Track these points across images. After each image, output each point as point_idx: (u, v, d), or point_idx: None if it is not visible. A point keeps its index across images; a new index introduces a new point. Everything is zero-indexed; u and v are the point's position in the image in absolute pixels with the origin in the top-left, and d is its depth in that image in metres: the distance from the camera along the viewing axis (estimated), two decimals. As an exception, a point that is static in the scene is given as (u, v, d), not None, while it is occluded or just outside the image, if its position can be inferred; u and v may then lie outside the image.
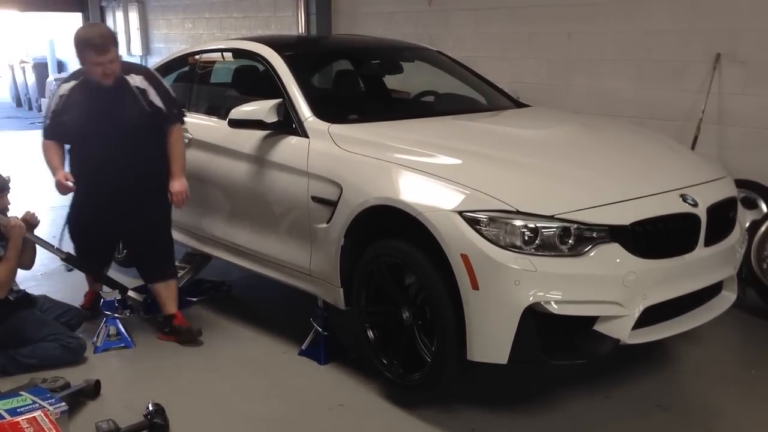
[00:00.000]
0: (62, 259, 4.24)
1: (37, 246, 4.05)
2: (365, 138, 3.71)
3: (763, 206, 4.81)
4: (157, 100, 3.98)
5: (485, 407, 3.40)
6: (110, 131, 3.92)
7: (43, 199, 7.47)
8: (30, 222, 3.93)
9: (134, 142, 3.97)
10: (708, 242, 3.29)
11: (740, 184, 4.39)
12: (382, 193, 3.33)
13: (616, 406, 3.42)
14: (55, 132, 4.02)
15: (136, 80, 3.96)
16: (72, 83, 3.97)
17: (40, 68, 16.08)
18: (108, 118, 3.91)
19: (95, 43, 3.77)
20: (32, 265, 4.10)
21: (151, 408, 3.24)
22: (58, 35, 16.10)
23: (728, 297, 3.55)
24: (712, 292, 3.47)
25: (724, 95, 5.28)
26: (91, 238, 4.22)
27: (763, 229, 4.46)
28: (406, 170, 3.33)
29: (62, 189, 3.97)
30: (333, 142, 3.73)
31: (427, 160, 3.38)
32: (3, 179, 3.90)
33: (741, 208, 3.73)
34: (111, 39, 3.86)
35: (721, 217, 3.44)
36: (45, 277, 5.18)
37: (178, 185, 4.05)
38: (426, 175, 3.25)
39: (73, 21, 14.18)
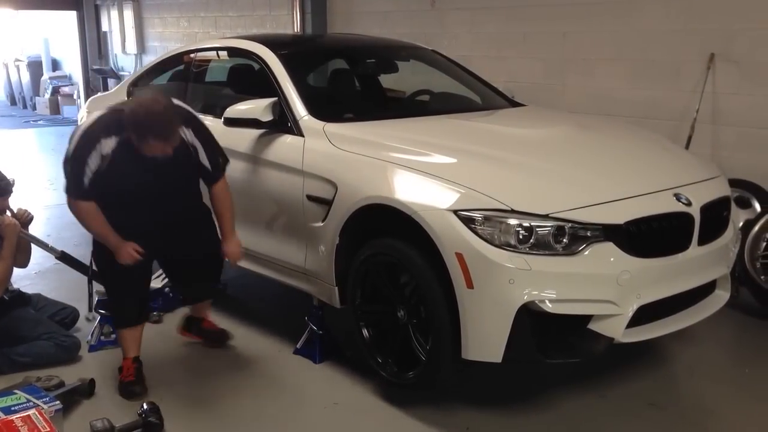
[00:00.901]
0: (57, 258, 4.24)
1: (32, 245, 4.04)
2: (360, 137, 3.71)
3: (757, 205, 4.83)
4: (205, 160, 3.52)
5: (480, 406, 3.41)
6: (163, 192, 3.48)
7: (37, 198, 7.47)
8: (23, 219, 3.92)
9: (184, 191, 3.62)
10: (702, 241, 3.31)
11: (734, 183, 4.41)
12: (377, 191, 3.34)
13: (610, 405, 3.43)
14: (96, 195, 3.34)
15: (188, 135, 3.44)
16: (114, 141, 3.28)
17: (35, 66, 16.06)
18: (162, 182, 3.43)
19: (159, 134, 3.23)
20: (27, 264, 4.09)
21: (145, 407, 3.24)
22: (52, 33, 16.06)
23: (722, 296, 3.56)
24: (705, 291, 3.49)
25: (718, 95, 5.30)
26: (134, 275, 3.56)
27: (756, 228, 4.48)
28: (402, 169, 3.34)
29: (130, 259, 3.42)
30: (328, 141, 3.73)
31: (422, 159, 3.38)
32: (7, 181, 3.88)
33: (734, 208, 3.74)
34: (176, 122, 3.32)
35: (715, 217, 3.45)
36: (39, 275, 5.17)
37: (232, 246, 3.68)
38: (421, 173, 3.26)
39: (68, 19, 14.15)
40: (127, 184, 3.37)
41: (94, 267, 3.96)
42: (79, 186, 3.30)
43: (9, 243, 3.75)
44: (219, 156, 3.61)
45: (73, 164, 3.29)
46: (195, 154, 3.48)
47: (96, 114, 3.38)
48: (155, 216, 3.49)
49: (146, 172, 3.34)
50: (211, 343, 4.06)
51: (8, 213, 3.86)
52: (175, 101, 3.50)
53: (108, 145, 3.27)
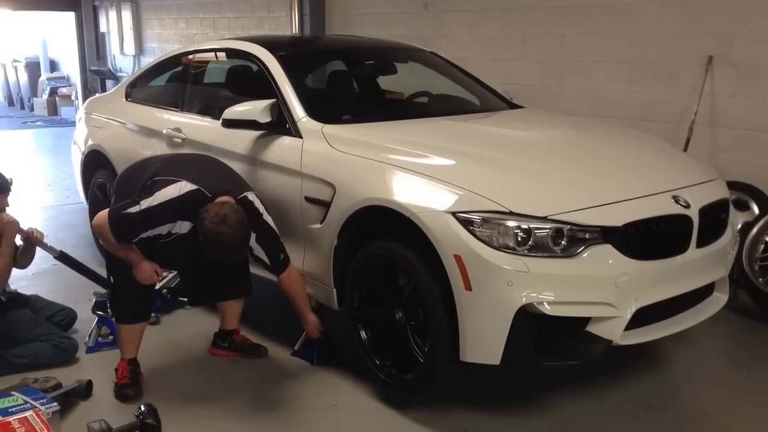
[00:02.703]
0: (55, 257, 4.23)
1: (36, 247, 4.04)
2: (359, 138, 3.71)
3: (755, 208, 4.84)
4: (263, 256, 3.54)
5: (478, 408, 3.41)
6: (210, 265, 3.57)
7: (34, 199, 7.46)
8: (33, 238, 3.97)
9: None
10: (700, 244, 3.31)
11: (732, 185, 4.41)
12: (375, 193, 3.34)
13: (608, 408, 3.43)
14: (141, 246, 3.42)
15: (251, 240, 3.44)
16: (188, 227, 3.34)
17: (33, 67, 16.06)
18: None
19: (227, 258, 3.36)
20: (28, 265, 4.09)
21: (143, 408, 3.24)
22: (50, 34, 16.05)
23: (720, 298, 3.56)
24: (703, 293, 3.49)
25: (717, 97, 5.30)
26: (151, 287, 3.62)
27: (754, 230, 4.48)
28: (400, 171, 3.33)
29: (149, 280, 3.47)
30: (326, 143, 3.73)
31: (421, 161, 3.38)
32: (5, 179, 3.89)
33: (733, 210, 3.75)
34: (244, 248, 3.37)
35: (713, 219, 3.45)
36: (37, 276, 5.17)
37: (312, 326, 3.73)
38: (419, 175, 3.25)
39: (66, 20, 14.14)
40: (179, 255, 3.52)
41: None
42: (130, 236, 3.35)
43: (7, 240, 3.75)
44: (280, 253, 3.56)
45: (139, 219, 3.28)
46: (251, 252, 3.50)
47: (187, 188, 3.32)
48: (191, 267, 3.71)
49: (203, 255, 3.34)
50: (247, 356, 3.94)
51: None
52: (247, 196, 3.48)
53: (182, 227, 3.35)
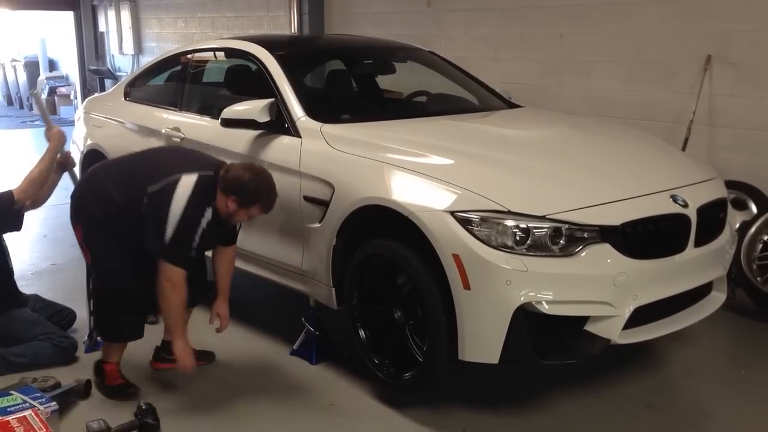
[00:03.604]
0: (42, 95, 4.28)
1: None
2: (358, 138, 3.71)
3: (753, 207, 4.85)
4: (238, 225, 3.67)
5: (476, 407, 3.41)
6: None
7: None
8: (71, 160, 4.07)
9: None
10: (698, 243, 3.31)
11: (730, 185, 4.42)
12: (374, 192, 3.34)
13: (607, 406, 3.43)
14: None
15: None
16: (210, 211, 3.33)
17: (32, 67, 16.04)
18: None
19: (266, 204, 3.41)
20: (48, 197, 4.08)
21: (142, 407, 3.24)
22: (49, 34, 16.04)
23: (718, 297, 3.57)
24: (702, 292, 3.49)
25: (715, 96, 5.31)
26: (137, 293, 3.52)
27: (752, 230, 4.49)
28: (399, 170, 3.34)
29: (188, 370, 3.42)
30: (325, 142, 3.73)
31: (420, 160, 3.38)
32: None
33: (731, 209, 3.75)
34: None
35: (711, 218, 3.46)
36: (35, 276, 5.17)
37: (225, 308, 3.72)
38: (418, 175, 3.26)
39: (65, 20, 14.13)
40: (213, 241, 3.50)
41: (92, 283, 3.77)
42: (188, 254, 3.30)
43: (52, 150, 3.85)
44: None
45: (183, 233, 3.25)
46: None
47: (191, 179, 3.30)
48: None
49: (217, 234, 3.44)
50: (200, 363, 3.72)
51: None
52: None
53: (208, 214, 3.32)
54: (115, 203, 3.40)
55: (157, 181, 3.33)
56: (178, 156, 3.67)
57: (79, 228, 3.52)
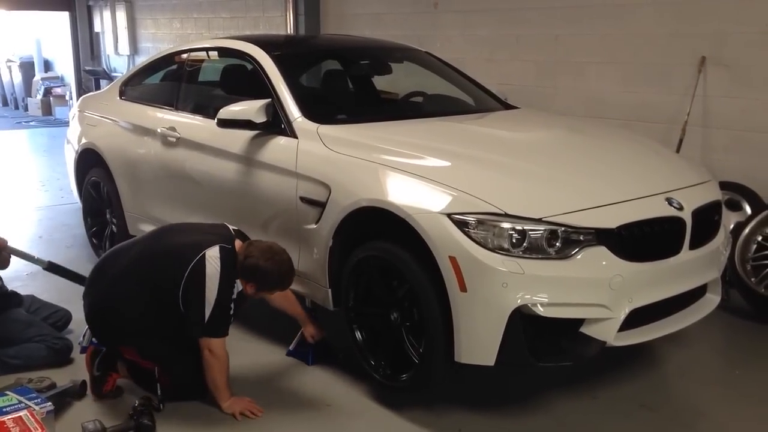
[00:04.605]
0: (44, 269, 4.21)
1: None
2: (354, 139, 3.72)
3: (747, 208, 4.87)
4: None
5: (472, 408, 3.42)
6: None
7: (29, 199, 7.44)
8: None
9: None
10: (693, 245, 3.33)
11: (724, 186, 4.44)
12: (370, 194, 3.34)
13: (602, 407, 3.45)
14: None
15: None
16: (239, 284, 3.40)
17: (27, 67, 16.00)
18: None
19: (285, 287, 3.50)
20: (6, 267, 4.02)
21: (138, 408, 3.23)
22: (44, 34, 16.00)
23: (712, 299, 3.58)
24: (696, 294, 3.51)
25: (709, 98, 5.33)
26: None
27: (746, 231, 4.51)
28: (395, 172, 3.34)
29: (245, 413, 3.39)
30: (322, 143, 3.73)
31: (416, 162, 3.39)
32: None
33: (725, 210, 3.76)
34: None
35: (706, 221, 3.47)
36: (30, 277, 5.15)
37: (310, 327, 3.89)
38: (415, 176, 3.26)
39: (60, 20, 14.10)
40: (236, 314, 3.48)
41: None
42: (227, 326, 3.38)
43: None
44: None
45: (220, 311, 3.30)
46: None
47: (217, 253, 3.30)
48: None
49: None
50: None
51: None
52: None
53: (238, 285, 3.39)
54: (145, 304, 3.40)
55: (180, 266, 3.31)
56: (188, 232, 3.57)
57: (130, 349, 3.50)
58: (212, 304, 3.27)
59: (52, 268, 4.22)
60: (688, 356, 3.98)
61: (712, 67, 5.26)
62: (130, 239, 3.93)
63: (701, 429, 3.30)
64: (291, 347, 3.96)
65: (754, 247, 4.48)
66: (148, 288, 3.40)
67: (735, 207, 4.88)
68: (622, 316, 3.06)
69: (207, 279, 3.27)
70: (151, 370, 3.47)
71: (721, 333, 4.31)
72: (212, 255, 3.30)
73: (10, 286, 4.19)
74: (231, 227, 3.55)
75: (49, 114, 14.91)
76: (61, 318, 4.21)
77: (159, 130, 4.72)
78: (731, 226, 4.43)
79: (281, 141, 3.92)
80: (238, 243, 3.43)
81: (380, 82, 5.29)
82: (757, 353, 4.08)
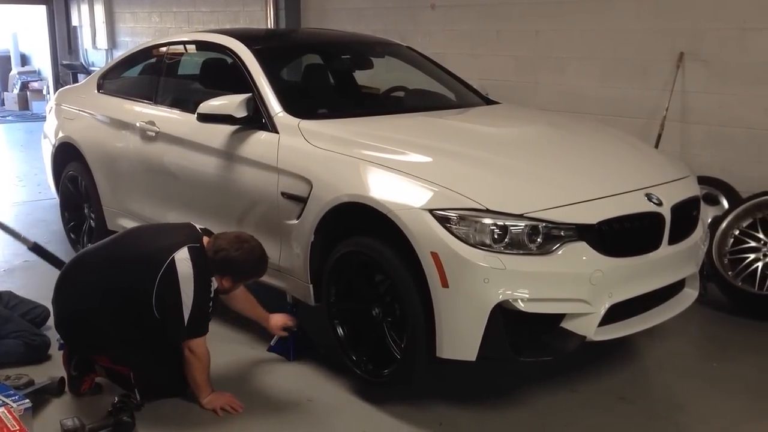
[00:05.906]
0: (29, 248, 4.17)
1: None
2: (336, 134, 3.71)
3: (725, 202, 4.93)
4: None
5: (453, 402, 3.43)
6: None
7: (6, 194, 7.35)
8: None
9: None
10: (672, 240, 3.36)
11: (702, 180, 4.49)
12: (352, 190, 3.34)
13: (582, 400, 3.47)
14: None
15: None
16: (214, 282, 3.34)
17: (3, 61, 15.74)
18: None
19: (260, 274, 3.47)
20: None
21: (117, 405, 3.21)
22: (21, 28, 15.78)
23: (690, 294, 3.62)
24: (675, 288, 3.54)
25: (687, 93, 5.38)
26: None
27: (724, 225, 4.56)
28: (377, 167, 3.34)
29: (226, 409, 3.37)
30: (303, 138, 3.72)
31: (398, 158, 3.39)
32: None
33: (703, 205, 3.80)
34: None
35: (685, 216, 3.50)
36: (7, 273, 5.10)
37: (272, 320, 3.85)
38: (396, 172, 3.26)
39: (37, 13, 13.91)
40: (214, 312, 3.46)
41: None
42: (206, 325, 3.35)
43: None
44: None
45: (198, 312, 3.25)
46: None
47: (186, 255, 3.22)
48: None
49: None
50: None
51: None
52: None
53: (213, 283, 3.34)
54: (114, 312, 3.31)
55: (150, 273, 3.22)
56: (154, 236, 3.46)
57: (103, 357, 3.44)
58: (190, 307, 3.21)
59: (36, 249, 4.19)
60: (667, 350, 4.02)
61: (690, 62, 5.31)
62: (94, 243, 3.84)
63: (679, 421, 3.34)
64: (272, 342, 3.94)
65: (731, 241, 4.54)
66: (117, 297, 3.31)
67: (713, 201, 4.93)
68: (602, 311, 3.09)
69: (181, 283, 3.19)
70: (127, 375, 3.41)
71: (698, 326, 4.36)
72: (182, 257, 3.22)
73: (-13, 282, 4.15)
74: (197, 226, 3.47)
75: (26, 108, 14.71)
76: (39, 314, 4.16)
77: (138, 124, 4.68)
78: (709, 221, 4.47)
79: (262, 136, 3.90)
80: (205, 239, 3.37)
81: (361, 77, 5.28)
82: (734, 346, 4.13)
